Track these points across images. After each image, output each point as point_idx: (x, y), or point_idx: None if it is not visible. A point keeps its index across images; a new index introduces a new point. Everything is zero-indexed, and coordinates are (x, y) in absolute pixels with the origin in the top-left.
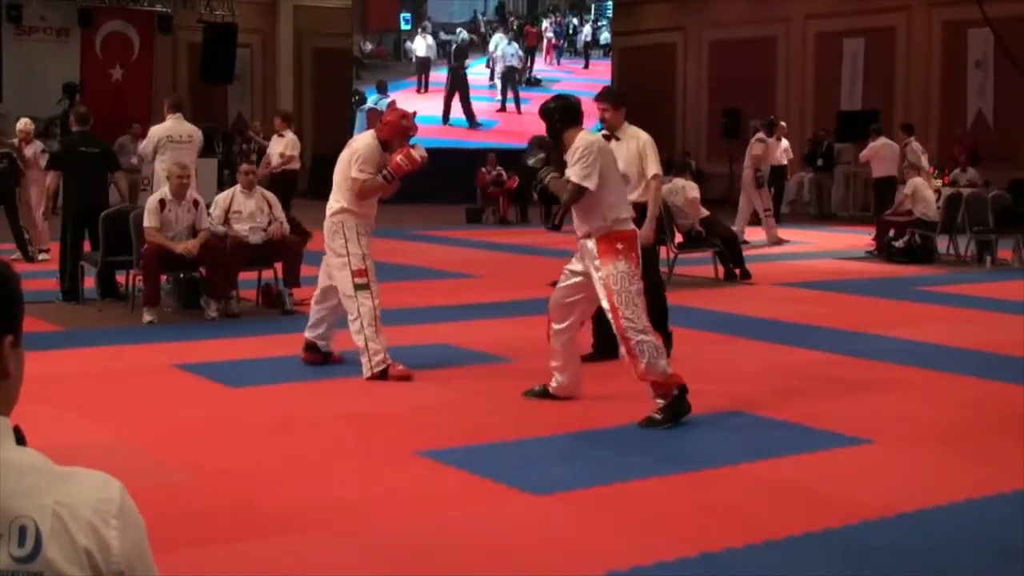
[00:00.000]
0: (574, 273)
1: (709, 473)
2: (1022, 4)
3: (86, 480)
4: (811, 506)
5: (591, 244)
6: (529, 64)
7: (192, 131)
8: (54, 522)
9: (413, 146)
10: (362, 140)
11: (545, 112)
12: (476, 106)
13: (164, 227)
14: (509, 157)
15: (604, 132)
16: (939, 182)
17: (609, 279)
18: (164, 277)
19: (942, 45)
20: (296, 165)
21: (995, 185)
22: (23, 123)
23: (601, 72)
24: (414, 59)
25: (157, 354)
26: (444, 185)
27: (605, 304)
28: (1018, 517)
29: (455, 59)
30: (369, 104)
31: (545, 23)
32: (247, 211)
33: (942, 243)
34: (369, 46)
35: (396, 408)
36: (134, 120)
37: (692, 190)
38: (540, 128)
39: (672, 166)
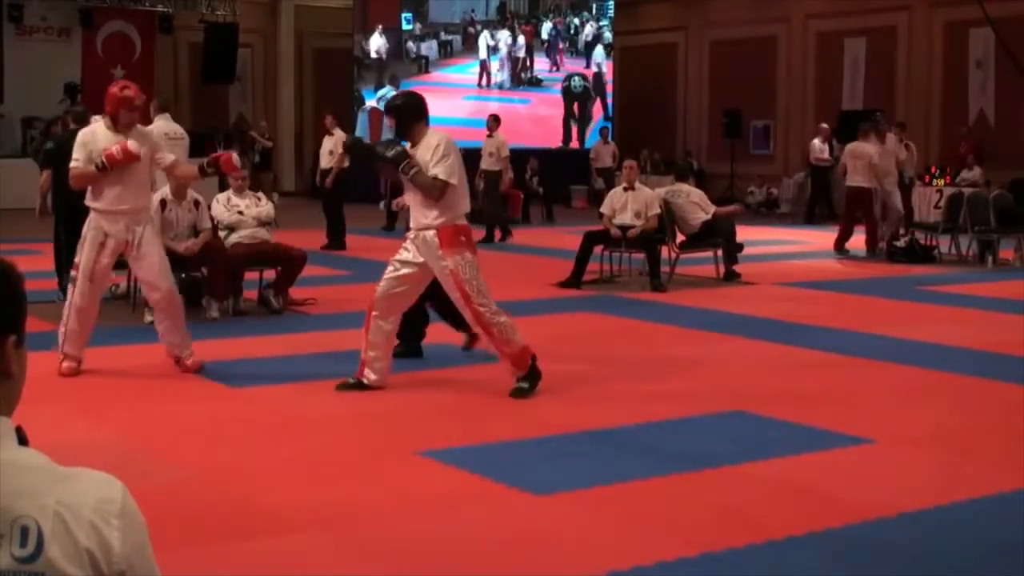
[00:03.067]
0: (404, 264)
1: (710, 473)
2: (1023, 3)
3: (88, 480)
4: (812, 506)
5: (431, 235)
6: (528, 63)
7: (181, 131)
8: (55, 522)
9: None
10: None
11: (394, 108)
12: (477, 106)
13: (165, 227)
14: (516, 158)
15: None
16: (941, 181)
17: (459, 269)
18: None
19: (943, 45)
20: (346, 163)
21: (996, 185)
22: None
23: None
24: (370, 59)
25: (158, 354)
26: None
27: (456, 294)
28: (1019, 516)
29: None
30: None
31: (548, 25)
32: (246, 213)
33: (944, 242)
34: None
35: (396, 408)
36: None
37: (696, 195)
38: (537, 128)
39: (674, 169)
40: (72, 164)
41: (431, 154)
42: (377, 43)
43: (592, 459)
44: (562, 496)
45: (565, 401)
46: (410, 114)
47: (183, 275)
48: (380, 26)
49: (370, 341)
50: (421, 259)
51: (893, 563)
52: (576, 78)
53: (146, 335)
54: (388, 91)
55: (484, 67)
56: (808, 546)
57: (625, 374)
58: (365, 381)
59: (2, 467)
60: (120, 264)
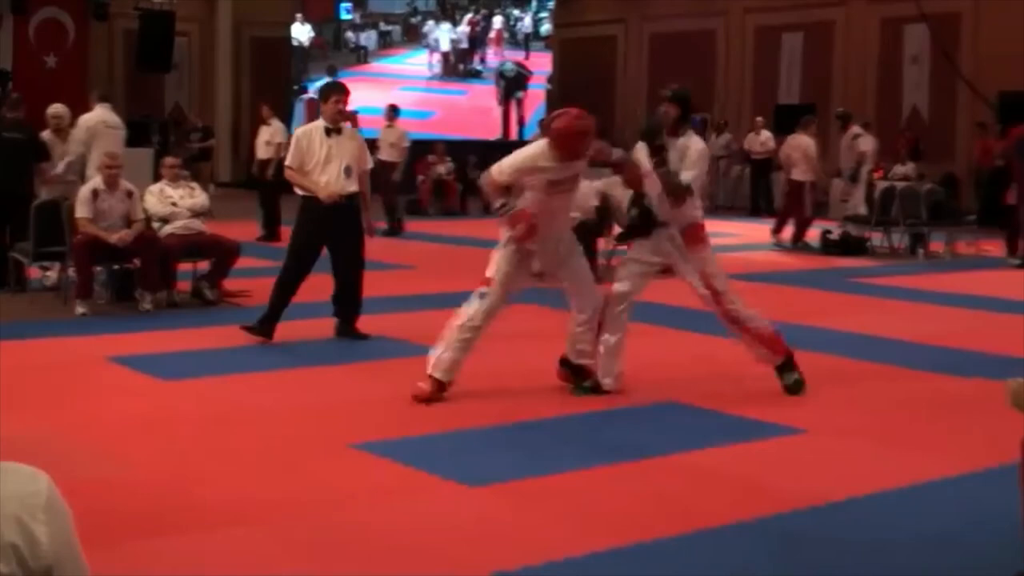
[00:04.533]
0: (651, 264)
1: (643, 463)
2: (957, 1)
3: (12, 474)
4: (744, 495)
5: (675, 232)
6: (471, 55)
7: (119, 121)
8: None
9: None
10: (532, 146)
11: (679, 99)
12: (416, 96)
13: (97, 217)
14: (453, 149)
15: (327, 125)
16: (874, 175)
17: (704, 264)
18: (97, 269)
19: (879, 40)
20: (284, 153)
21: (928, 179)
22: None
23: (542, 64)
24: (295, 49)
25: (90, 346)
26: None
27: (704, 291)
28: (946, 505)
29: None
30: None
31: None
32: (180, 204)
33: (876, 235)
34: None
35: (332, 400)
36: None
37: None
38: (479, 120)
39: None
40: (497, 173)
41: (688, 157)
42: (299, 31)
43: (526, 450)
44: (497, 487)
45: (500, 392)
46: (687, 107)
47: (115, 266)
48: (299, 15)
49: (609, 331)
50: (657, 259)
51: (823, 551)
52: (509, 64)
53: (79, 327)
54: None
55: (447, 58)
56: (740, 535)
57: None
58: (604, 386)
59: None
60: (55, 256)
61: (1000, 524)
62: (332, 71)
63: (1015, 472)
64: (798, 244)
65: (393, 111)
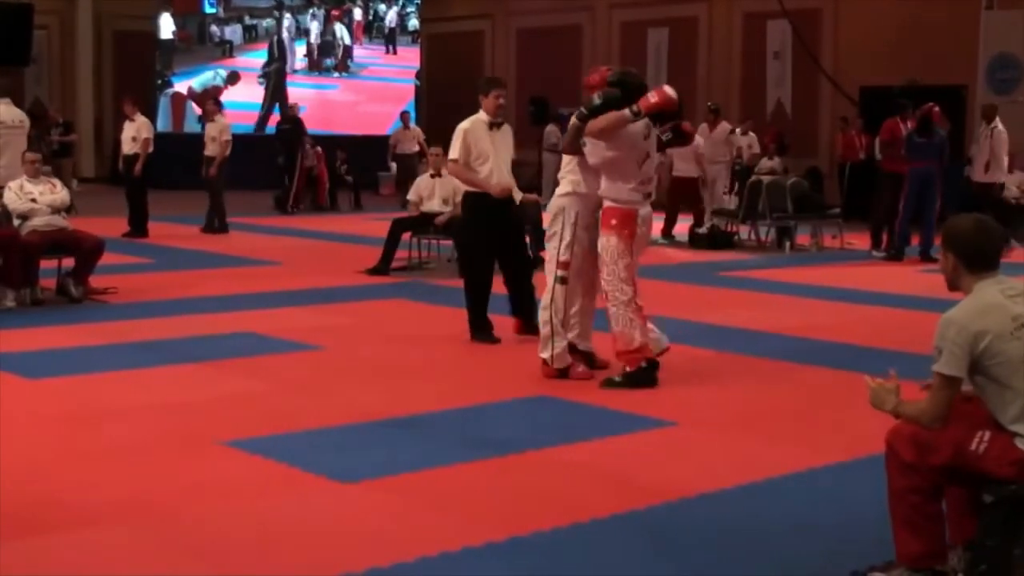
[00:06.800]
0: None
1: (516, 458)
2: None
3: None
4: (617, 488)
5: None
6: (339, 48)
7: (23, 116)
8: None
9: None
10: None
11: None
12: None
13: None
14: (322, 144)
15: (490, 119)
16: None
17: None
18: None
19: (742, 36)
20: (151, 149)
21: (793, 173)
22: None
23: (409, 58)
24: (160, 43)
25: None
26: (253, 171)
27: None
28: (814, 495)
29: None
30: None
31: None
32: (39, 201)
33: (744, 229)
34: (174, 28)
35: (201, 398)
36: None
37: None
38: (344, 115)
39: None
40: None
41: None
42: (164, 25)
43: (399, 446)
44: (369, 484)
45: (372, 389)
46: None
47: None
48: (172, 9)
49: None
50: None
51: (696, 543)
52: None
53: None
54: (210, 77)
55: (311, 50)
56: (614, 528)
57: (432, 360)
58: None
59: None
60: None
61: (865, 514)
62: (234, 78)
63: (879, 463)
64: (666, 238)
65: (216, 104)
